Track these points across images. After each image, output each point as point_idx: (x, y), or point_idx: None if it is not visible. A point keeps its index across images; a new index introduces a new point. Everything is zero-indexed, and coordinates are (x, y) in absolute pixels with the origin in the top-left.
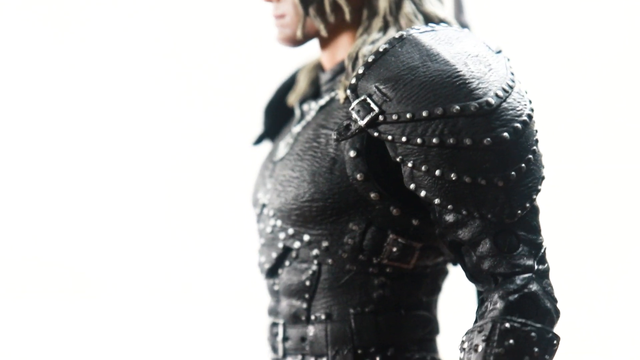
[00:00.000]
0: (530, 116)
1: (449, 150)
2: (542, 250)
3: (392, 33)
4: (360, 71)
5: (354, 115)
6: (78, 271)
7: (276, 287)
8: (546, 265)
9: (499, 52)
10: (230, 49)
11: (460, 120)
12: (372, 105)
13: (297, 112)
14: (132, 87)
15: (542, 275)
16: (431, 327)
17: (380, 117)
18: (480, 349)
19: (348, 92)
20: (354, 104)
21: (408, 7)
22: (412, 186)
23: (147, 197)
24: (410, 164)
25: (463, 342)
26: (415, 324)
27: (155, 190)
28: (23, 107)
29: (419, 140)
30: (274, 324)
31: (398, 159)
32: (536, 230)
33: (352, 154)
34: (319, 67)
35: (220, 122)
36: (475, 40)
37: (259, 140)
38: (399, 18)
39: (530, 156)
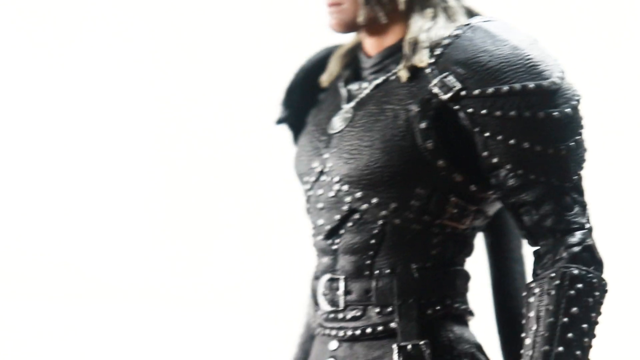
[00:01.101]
0: (580, 96)
1: (524, 122)
2: (588, 211)
3: (442, 22)
4: (437, 52)
5: (436, 90)
6: (81, 273)
7: (335, 247)
8: (591, 224)
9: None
10: (229, 49)
11: (534, 97)
12: (454, 82)
13: (343, 92)
14: (133, 90)
15: (591, 232)
16: (468, 283)
17: (463, 92)
18: (553, 292)
19: (427, 70)
20: (435, 80)
21: (452, 1)
22: (485, 153)
23: (149, 199)
24: (487, 134)
25: (532, 288)
26: (462, 279)
27: (157, 191)
28: (26, 109)
29: (498, 113)
30: (332, 280)
31: (476, 130)
32: (584, 193)
33: (423, 125)
34: (355, 52)
35: (222, 126)
36: (523, 31)
37: (281, 121)
38: (446, 9)
39: (581, 130)
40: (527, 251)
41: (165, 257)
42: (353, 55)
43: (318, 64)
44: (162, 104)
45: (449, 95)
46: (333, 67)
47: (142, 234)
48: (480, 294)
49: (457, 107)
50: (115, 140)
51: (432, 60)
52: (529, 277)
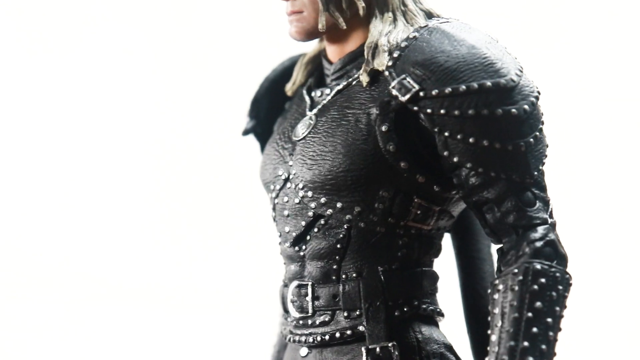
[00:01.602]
0: (539, 92)
1: (482, 120)
2: (551, 207)
3: (401, 26)
4: (395, 55)
5: (395, 92)
6: (82, 275)
7: (302, 253)
8: (554, 219)
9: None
10: (228, 50)
11: (492, 95)
12: (412, 83)
13: (307, 99)
14: (136, 96)
15: (554, 227)
16: (436, 283)
17: (421, 93)
18: (516, 287)
19: (386, 73)
20: (393, 83)
21: (411, 5)
22: (445, 153)
23: (150, 201)
24: (446, 133)
25: (496, 285)
26: (429, 280)
27: (158, 193)
28: (26, 111)
29: (456, 112)
30: (300, 286)
31: (435, 130)
32: (545, 189)
33: (384, 128)
34: (318, 60)
35: (222, 130)
36: (481, 31)
37: (247, 132)
38: (405, 13)
39: (541, 126)
40: (494, 251)
41: (165, 260)
42: (317, 63)
43: (283, 74)
44: (163, 109)
45: (408, 96)
46: (297, 75)
47: (143, 237)
48: (450, 295)
49: (416, 108)
50: (117, 145)
51: (390, 63)
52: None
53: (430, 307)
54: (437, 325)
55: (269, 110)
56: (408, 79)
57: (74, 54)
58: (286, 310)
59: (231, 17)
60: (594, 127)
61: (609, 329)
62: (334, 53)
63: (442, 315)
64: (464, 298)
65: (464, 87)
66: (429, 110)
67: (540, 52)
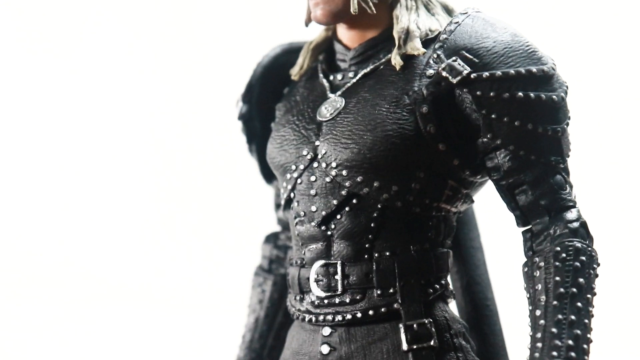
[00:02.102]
0: (568, 86)
1: (528, 104)
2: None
3: (424, 15)
4: (442, 38)
5: (445, 74)
6: (83, 276)
7: (329, 232)
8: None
9: None
10: (228, 51)
11: (537, 80)
12: (463, 66)
13: (324, 82)
14: (135, 94)
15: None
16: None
17: (473, 76)
18: (559, 264)
19: (434, 55)
20: (443, 64)
21: None
22: (489, 135)
23: (151, 203)
24: (493, 115)
25: (535, 262)
26: (450, 260)
27: (158, 194)
28: (28, 113)
29: (506, 95)
30: (327, 265)
31: (483, 112)
32: (570, 174)
33: (424, 109)
34: (325, 46)
35: (223, 133)
36: (508, 21)
37: (242, 117)
38: (426, 4)
39: (570, 114)
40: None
41: (165, 260)
42: (324, 49)
43: (275, 60)
44: (163, 110)
45: (459, 78)
46: (304, 60)
47: (143, 237)
48: None
49: (465, 90)
50: (118, 145)
51: (438, 45)
52: (514, 263)
53: (450, 288)
54: (449, 305)
55: (261, 96)
56: (459, 61)
57: (74, 54)
58: (303, 291)
59: (230, 17)
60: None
61: (609, 327)
62: (354, 38)
63: (454, 295)
64: (460, 285)
65: (513, 71)
66: (478, 93)
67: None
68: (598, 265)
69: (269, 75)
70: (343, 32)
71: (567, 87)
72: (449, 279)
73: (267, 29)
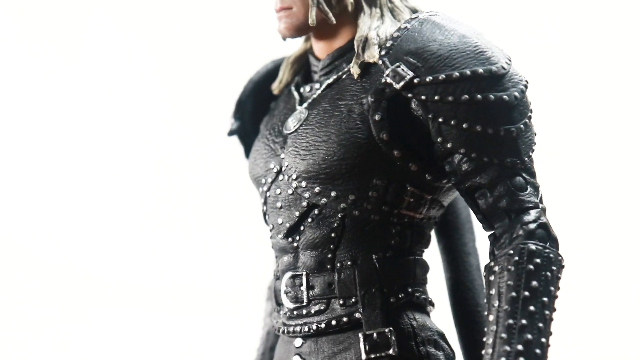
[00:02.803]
0: (527, 82)
1: (475, 106)
2: (541, 193)
3: (389, 21)
4: (388, 44)
5: (389, 80)
6: (82, 275)
7: (295, 244)
8: (544, 204)
9: None
10: (228, 51)
11: (484, 81)
12: (406, 71)
13: (295, 95)
14: (135, 94)
15: (544, 212)
16: (427, 273)
17: (415, 80)
18: (512, 268)
19: (379, 62)
20: (387, 71)
21: (397, 1)
22: (439, 139)
23: (150, 202)
24: (440, 119)
25: (491, 267)
26: (421, 269)
27: (157, 193)
28: (28, 113)
29: (450, 98)
30: (294, 277)
31: (429, 116)
32: (535, 175)
33: (377, 117)
34: (304, 59)
35: (222, 133)
36: (468, 24)
37: (232, 133)
38: (392, 10)
39: (530, 114)
40: (481, 244)
41: (165, 260)
42: (302, 62)
43: (267, 76)
44: (163, 111)
45: (402, 83)
46: (283, 74)
47: (143, 237)
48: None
49: (410, 95)
50: (118, 145)
51: (383, 52)
52: (485, 263)
53: (423, 296)
54: (428, 315)
55: (253, 112)
56: (402, 66)
57: (74, 54)
58: (279, 303)
59: (230, 18)
60: (584, 123)
61: (606, 326)
62: (322, 50)
63: (433, 305)
64: (451, 291)
65: (457, 73)
66: (423, 97)
67: (533, 50)
68: (560, 267)
69: (260, 90)
70: (314, 44)
71: (524, 85)
72: (426, 287)
73: (267, 30)
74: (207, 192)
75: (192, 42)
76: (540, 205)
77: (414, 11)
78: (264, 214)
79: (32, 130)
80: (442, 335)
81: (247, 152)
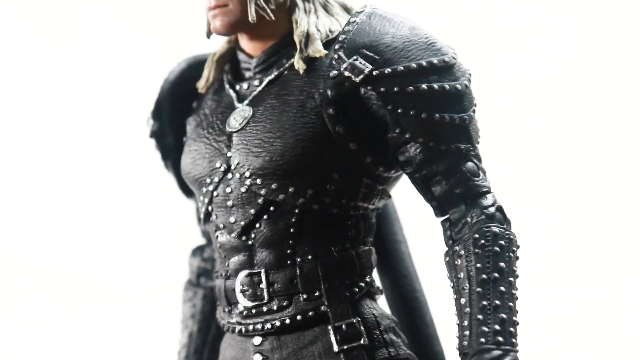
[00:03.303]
0: (470, 72)
1: (433, 95)
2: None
3: (323, 16)
4: (341, 38)
5: (347, 74)
6: (82, 275)
7: (250, 242)
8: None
9: None
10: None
11: (439, 71)
12: (364, 64)
13: (230, 93)
14: (135, 94)
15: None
16: (376, 261)
17: (375, 73)
18: (479, 251)
19: (335, 56)
20: (345, 64)
21: None
22: (397, 130)
23: (151, 202)
24: (399, 110)
25: (456, 251)
26: (373, 257)
27: (159, 193)
28: (28, 113)
29: (409, 89)
30: (251, 274)
31: (389, 107)
32: (481, 160)
33: (331, 111)
34: (229, 56)
35: None
36: (406, 15)
37: (153, 134)
38: (324, 5)
39: (476, 102)
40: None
41: (165, 261)
42: (227, 60)
43: (182, 76)
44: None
45: (361, 77)
46: (209, 73)
47: (143, 237)
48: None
49: (369, 87)
50: (118, 145)
51: (337, 46)
52: (432, 252)
53: (376, 285)
54: (376, 302)
55: (172, 112)
56: (359, 59)
57: (74, 54)
58: (231, 303)
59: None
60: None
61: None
62: (255, 47)
63: (382, 292)
64: (387, 279)
65: (414, 65)
66: (382, 89)
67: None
68: (517, 247)
69: (176, 90)
70: (245, 41)
71: (470, 75)
72: (375, 275)
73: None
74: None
75: (194, 42)
76: (492, 189)
77: (343, 5)
78: (207, 215)
79: (32, 130)
80: (397, 323)
81: (164, 154)
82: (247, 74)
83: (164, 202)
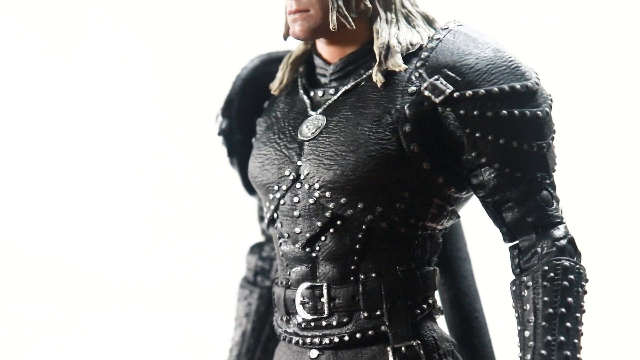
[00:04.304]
0: (552, 97)
1: (512, 121)
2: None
3: (404, 28)
4: (423, 56)
5: (427, 94)
6: (82, 274)
7: (314, 254)
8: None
9: None
10: (229, 50)
11: (521, 97)
12: (445, 85)
13: (304, 99)
14: (135, 94)
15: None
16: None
17: (455, 95)
18: (548, 284)
19: (415, 74)
20: (425, 83)
21: (410, 7)
22: (473, 154)
23: (149, 200)
24: (478, 134)
25: (523, 281)
26: (437, 278)
27: (157, 192)
28: (28, 113)
29: (489, 114)
30: (313, 287)
31: (467, 130)
32: (556, 188)
33: (407, 128)
34: (304, 59)
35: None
36: (491, 34)
37: (222, 132)
38: (406, 15)
39: (555, 128)
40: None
41: (165, 259)
42: (303, 63)
43: (254, 73)
44: (163, 111)
45: (442, 97)
46: (284, 75)
47: (143, 237)
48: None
49: (448, 109)
50: (118, 146)
51: (419, 63)
52: (502, 273)
53: (437, 305)
54: (437, 323)
55: (241, 109)
56: (441, 80)
57: (73, 54)
58: (290, 312)
59: (231, 18)
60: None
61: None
62: (333, 53)
63: (442, 312)
64: (447, 296)
65: (496, 89)
66: (462, 112)
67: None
68: (586, 281)
69: (248, 87)
70: (322, 46)
71: (551, 100)
72: (436, 295)
73: (267, 31)
74: (207, 191)
75: (193, 42)
76: (565, 220)
77: (425, 17)
78: (272, 221)
79: (31, 130)
80: (456, 346)
81: (231, 151)
82: (323, 80)
83: (164, 201)
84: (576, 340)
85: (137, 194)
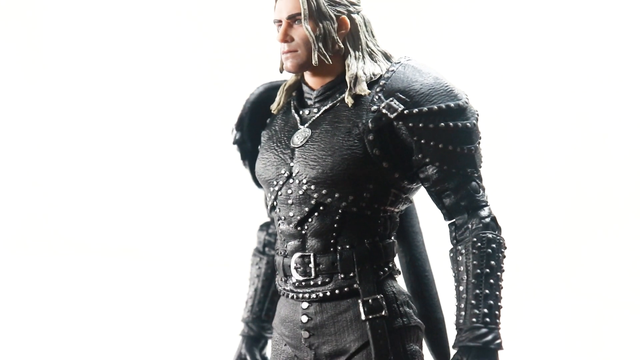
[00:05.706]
0: (478, 113)
1: (449, 131)
2: (487, 193)
3: (368, 62)
4: (381, 83)
5: (384, 111)
6: (64, 231)
7: (304, 232)
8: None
9: None
10: (230, 50)
11: (454, 112)
12: (398, 104)
13: (295, 116)
14: (134, 94)
15: (491, 208)
16: (397, 250)
17: (405, 112)
18: (476, 251)
19: (375, 98)
20: (383, 104)
21: (372, 46)
22: (419, 155)
23: (135, 160)
24: (422, 141)
25: (459, 250)
26: (394, 248)
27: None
28: (27, 113)
29: (431, 125)
30: (303, 256)
31: (414, 138)
32: (482, 180)
33: (370, 137)
34: (296, 86)
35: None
36: (433, 67)
37: (236, 142)
38: (370, 53)
39: (481, 136)
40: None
41: (152, 215)
42: (295, 89)
43: (260, 97)
44: (149, 106)
45: (395, 114)
46: (280, 98)
47: (128, 194)
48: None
49: (400, 122)
50: (115, 145)
51: (378, 89)
52: (441, 243)
53: (396, 268)
54: (396, 281)
55: (251, 125)
56: (394, 101)
57: (74, 54)
58: (287, 275)
59: (231, 18)
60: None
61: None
62: (316, 82)
63: (400, 273)
64: (404, 261)
65: (436, 107)
66: (410, 124)
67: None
68: (505, 248)
69: (255, 108)
70: (308, 77)
71: (477, 114)
72: (396, 260)
73: (267, 32)
74: (225, 190)
75: (194, 42)
76: (489, 203)
77: (384, 53)
78: (273, 207)
79: (31, 130)
80: (410, 297)
81: (244, 156)
82: (309, 102)
83: (147, 161)
84: (497, 293)
85: (119, 155)
